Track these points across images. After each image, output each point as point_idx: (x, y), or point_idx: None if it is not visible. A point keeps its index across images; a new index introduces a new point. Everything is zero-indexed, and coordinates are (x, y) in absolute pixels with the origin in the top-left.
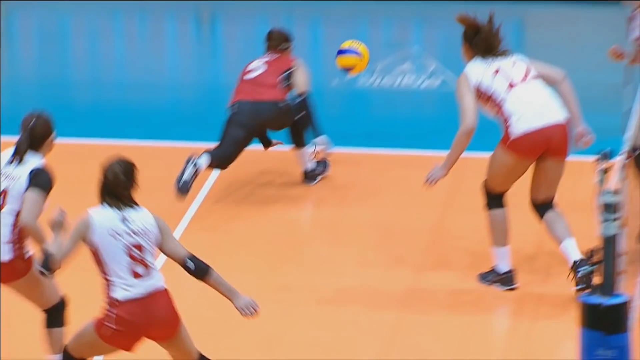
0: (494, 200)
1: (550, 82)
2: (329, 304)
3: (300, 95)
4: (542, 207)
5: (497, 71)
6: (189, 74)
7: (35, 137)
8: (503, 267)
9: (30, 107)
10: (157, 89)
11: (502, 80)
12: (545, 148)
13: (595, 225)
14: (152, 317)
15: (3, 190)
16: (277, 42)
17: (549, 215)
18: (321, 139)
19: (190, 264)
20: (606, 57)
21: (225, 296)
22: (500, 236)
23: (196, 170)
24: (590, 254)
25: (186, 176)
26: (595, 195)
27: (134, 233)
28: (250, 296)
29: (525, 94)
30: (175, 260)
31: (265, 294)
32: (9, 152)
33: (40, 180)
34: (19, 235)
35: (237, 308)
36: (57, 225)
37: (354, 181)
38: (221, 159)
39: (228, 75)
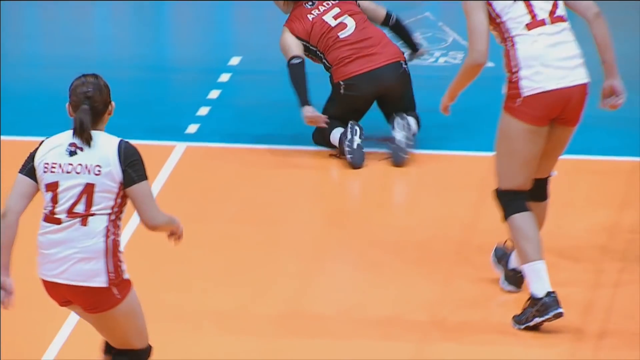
0: (511, 203)
1: (581, 16)
2: (333, 334)
3: (387, 19)
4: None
5: None
6: (125, 49)
7: (97, 108)
8: (540, 290)
9: None
10: (85, 68)
11: (521, 9)
12: (559, 111)
13: None
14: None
15: (84, 190)
16: None
17: (533, 208)
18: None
19: None
20: None
21: None
22: (529, 248)
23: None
24: None
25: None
26: None
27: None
28: (233, 332)
29: (545, 42)
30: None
31: (249, 323)
32: (55, 140)
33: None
34: (114, 248)
35: None
36: None
37: (364, 180)
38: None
39: (176, 49)
